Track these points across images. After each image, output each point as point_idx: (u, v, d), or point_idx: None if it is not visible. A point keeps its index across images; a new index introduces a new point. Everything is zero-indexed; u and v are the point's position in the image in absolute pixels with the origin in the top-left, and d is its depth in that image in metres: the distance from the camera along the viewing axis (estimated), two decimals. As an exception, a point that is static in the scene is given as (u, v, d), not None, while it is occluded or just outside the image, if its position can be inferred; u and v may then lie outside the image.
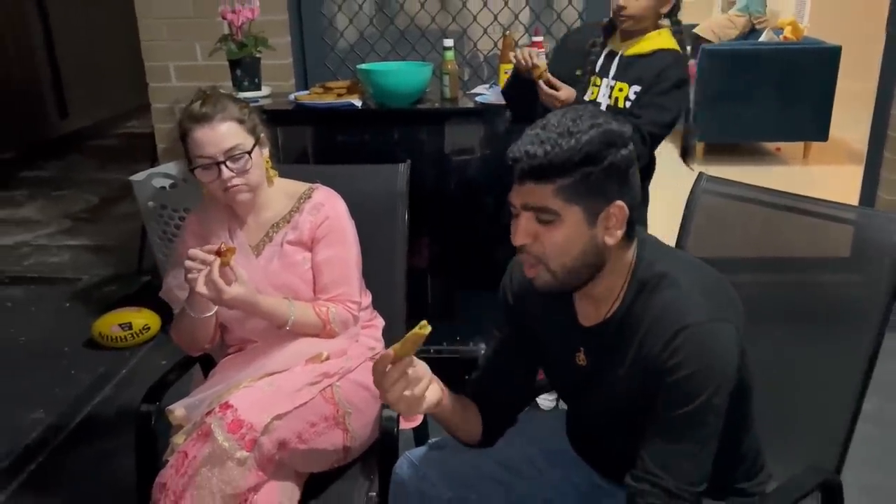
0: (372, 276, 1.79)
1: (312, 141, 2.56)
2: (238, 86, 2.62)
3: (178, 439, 1.46)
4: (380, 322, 1.81)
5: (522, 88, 2.03)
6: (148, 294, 3.13)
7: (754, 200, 1.62)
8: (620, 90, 1.97)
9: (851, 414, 1.39)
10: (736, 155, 5.46)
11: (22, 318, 3.33)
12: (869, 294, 1.39)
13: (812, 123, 5.18)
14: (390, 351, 1.11)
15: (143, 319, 3.03)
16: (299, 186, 1.73)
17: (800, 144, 5.45)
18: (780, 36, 5.76)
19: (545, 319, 1.30)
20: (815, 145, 5.37)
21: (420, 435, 1.83)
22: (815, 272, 1.56)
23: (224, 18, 2.59)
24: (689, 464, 1.12)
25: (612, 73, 2.00)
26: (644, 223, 2.12)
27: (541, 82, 1.91)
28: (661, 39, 1.99)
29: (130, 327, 3.00)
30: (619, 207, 1.11)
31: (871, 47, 3.21)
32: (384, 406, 1.58)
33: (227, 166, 1.55)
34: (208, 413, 1.44)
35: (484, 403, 1.36)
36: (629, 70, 1.98)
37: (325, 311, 1.64)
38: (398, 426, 1.55)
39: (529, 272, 1.15)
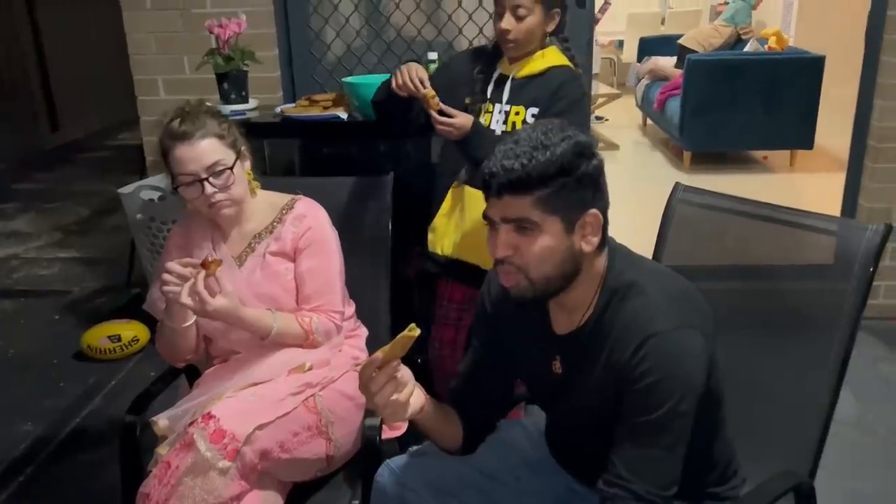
0: (356, 286, 1.81)
1: (299, 153, 2.58)
2: (225, 99, 2.64)
3: (162, 450, 1.48)
4: (363, 332, 1.83)
5: (397, 105, 1.90)
6: (137, 306, 3.10)
7: (730, 210, 1.65)
8: (517, 114, 1.91)
9: (825, 418, 1.41)
10: (723, 163, 5.51)
11: (11, 331, 3.34)
12: (841, 301, 1.42)
13: (798, 132, 5.24)
14: (378, 354, 1.12)
15: (133, 331, 3.04)
16: (281, 198, 1.74)
17: (786, 153, 5.51)
18: (766, 46, 5.83)
19: (521, 329, 1.32)
20: (801, 153, 5.43)
21: (405, 444, 1.84)
22: (787, 280, 1.59)
23: (211, 32, 2.61)
24: (657, 469, 1.14)
25: (505, 97, 1.93)
26: None
27: (433, 112, 1.78)
28: (551, 57, 1.95)
29: (119, 339, 3.01)
30: (594, 215, 1.15)
31: (855, 57, 3.25)
32: (367, 415, 1.60)
33: (209, 182, 1.57)
34: (191, 423, 1.45)
35: (463, 411, 1.38)
36: (523, 92, 1.92)
37: (307, 322, 1.65)
38: (381, 435, 1.57)
39: (508, 281, 1.17)
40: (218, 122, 1.62)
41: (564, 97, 1.89)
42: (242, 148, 1.65)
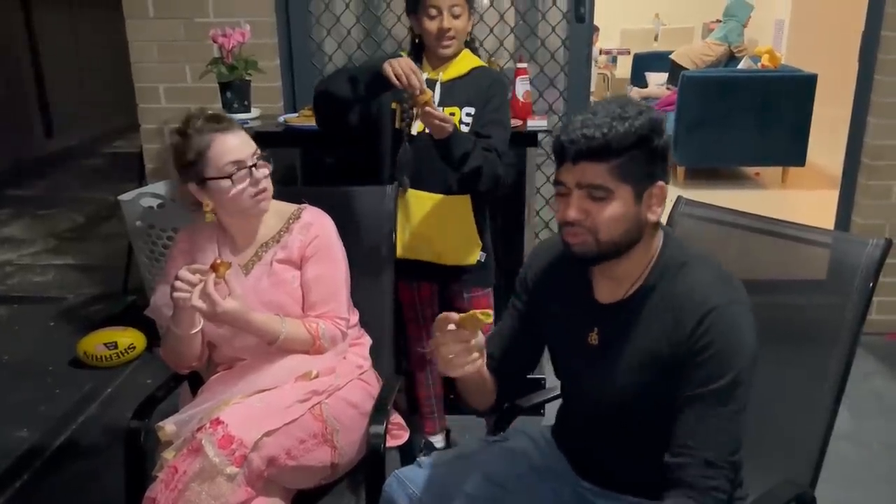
0: (360, 295, 1.82)
1: (301, 162, 2.59)
2: (228, 108, 2.66)
3: (168, 454, 1.48)
4: (367, 340, 1.84)
5: (370, 90, 1.91)
6: (133, 313, 3.14)
7: (732, 224, 1.67)
8: (452, 115, 1.96)
9: (824, 430, 1.43)
10: (716, 179, 5.56)
11: (6, 338, 3.33)
12: (841, 315, 1.44)
13: (790, 149, 5.30)
14: (456, 317, 1.18)
15: (129, 339, 3.04)
16: (287, 207, 1.76)
17: (778, 169, 5.56)
18: (758, 63, 5.90)
19: (563, 298, 1.37)
20: (793, 170, 5.48)
21: (406, 453, 1.85)
22: (790, 294, 1.61)
23: (215, 42, 2.63)
24: (723, 436, 1.19)
25: (436, 100, 1.98)
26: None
27: (429, 109, 1.83)
28: (470, 59, 2.07)
29: (116, 346, 3.00)
30: (661, 187, 1.24)
31: (846, 75, 3.31)
32: (371, 423, 1.61)
33: (257, 168, 1.61)
34: (199, 429, 1.45)
35: (496, 372, 1.42)
36: (454, 93, 2.01)
37: (314, 327, 1.66)
38: (384, 443, 1.58)
39: (575, 239, 1.23)
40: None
41: (496, 95, 2.03)
42: None
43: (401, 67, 1.82)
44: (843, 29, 4.09)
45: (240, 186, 1.60)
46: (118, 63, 3.08)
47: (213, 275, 1.49)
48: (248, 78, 2.68)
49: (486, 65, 2.12)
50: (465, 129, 2.00)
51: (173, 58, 2.99)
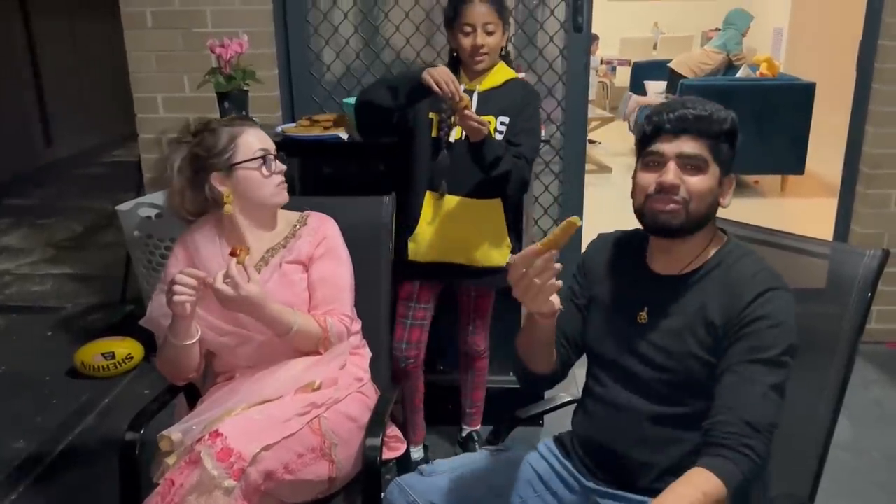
0: (357, 306, 1.81)
1: (299, 173, 2.59)
2: (225, 117, 2.65)
3: (171, 460, 1.47)
4: (367, 353, 1.84)
5: (409, 99, 2.02)
6: (131, 323, 3.12)
7: (733, 235, 1.67)
8: (487, 123, 2.02)
9: (824, 442, 1.42)
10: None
11: (4, 347, 3.32)
12: (840, 324, 1.43)
13: (789, 157, 5.30)
14: (536, 245, 1.18)
15: (126, 349, 3.03)
16: (293, 214, 1.80)
17: (777, 177, 5.57)
18: (757, 72, 5.91)
19: (618, 275, 1.44)
20: (793, 178, 5.49)
21: (403, 465, 1.84)
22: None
23: (213, 52, 2.63)
24: (764, 403, 1.22)
25: (473, 109, 2.03)
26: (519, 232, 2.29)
27: (467, 112, 1.91)
28: (505, 71, 2.15)
29: (113, 357, 2.99)
30: (732, 179, 1.37)
31: (845, 84, 3.31)
32: (367, 436, 1.60)
33: (279, 160, 1.71)
34: (198, 441, 1.45)
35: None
36: (489, 103, 2.09)
37: (323, 321, 1.68)
38: (381, 456, 1.57)
39: (667, 206, 1.30)
40: None
41: (529, 105, 2.13)
42: None
43: (440, 76, 1.92)
44: (841, 37, 4.10)
45: (264, 173, 1.68)
46: (117, 72, 3.08)
47: (234, 260, 1.52)
48: (245, 88, 2.68)
49: (518, 76, 2.20)
50: (498, 136, 2.08)
51: (171, 68, 2.99)
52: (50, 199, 5.71)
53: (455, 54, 2.14)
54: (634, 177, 1.37)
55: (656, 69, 7.20)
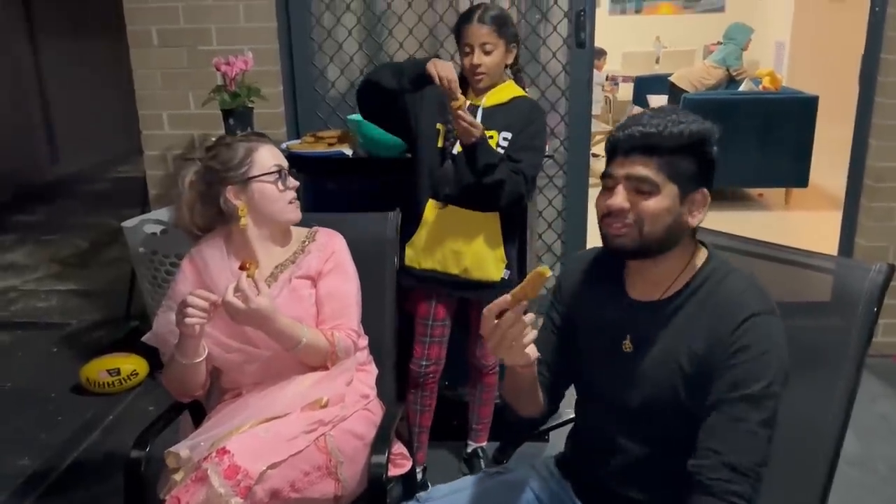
0: (363, 322, 1.81)
1: (304, 189, 2.59)
2: (231, 134, 2.67)
3: (178, 476, 1.46)
4: (373, 370, 1.84)
5: (414, 84, 2.04)
6: (136, 339, 3.07)
7: (735, 249, 1.66)
8: (490, 137, 2.07)
9: (831, 457, 1.42)
10: (719, 200, 5.45)
11: (9, 364, 3.33)
12: (846, 339, 1.43)
13: (792, 170, 5.30)
14: (507, 296, 1.16)
15: (131, 365, 3.03)
16: (301, 230, 1.81)
17: (781, 190, 5.56)
18: (759, 85, 5.92)
19: (597, 302, 1.38)
20: (796, 191, 5.49)
21: (408, 482, 1.84)
22: (794, 317, 1.60)
23: (218, 70, 2.65)
24: (751, 443, 1.17)
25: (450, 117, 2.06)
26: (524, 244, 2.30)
27: (461, 112, 1.94)
28: (512, 88, 2.18)
29: (118, 373, 3.00)
30: (704, 194, 1.28)
31: (846, 97, 3.32)
32: (372, 453, 1.60)
33: (293, 176, 1.73)
34: (205, 458, 1.45)
35: (541, 381, 1.41)
36: (494, 119, 2.10)
37: (330, 335, 1.69)
38: (386, 473, 1.57)
39: (617, 230, 1.25)
40: None
41: (533, 123, 2.14)
42: None
43: (443, 70, 1.95)
44: (843, 51, 4.11)
45: (278, 188, 1.70)
46: (123, 90, 3.11)
47: (244, 273, 1.53)
48: (250, 105, 2.70)
49: (526, 94, 2.22)
50: (500, 151, 2.09)
51: (177, 85, 3.02)
52: (55, 216, 5.73)
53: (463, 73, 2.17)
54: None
55: (658, 83, 7.21)
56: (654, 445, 1.30)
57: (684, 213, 1.26)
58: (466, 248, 2.14)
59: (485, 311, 1.18)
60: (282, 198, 1.71)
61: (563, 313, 1.45)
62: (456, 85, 1.95)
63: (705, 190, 1.27)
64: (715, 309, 1.25)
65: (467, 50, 2.09)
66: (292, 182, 1.74)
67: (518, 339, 1.17)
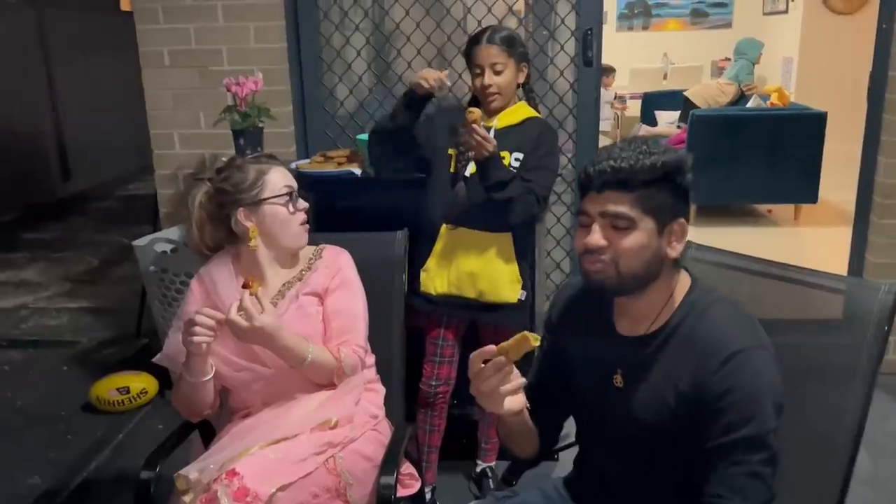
0: (370, 341, 1.82)
1: (313, 208, 2.60)
2: (241, 154, 2.69)
3: (188, 498, 1.47)
4: (381, 389, 1.84)
5: (410, 110, 2.08)
6: (146, 358, 3.10)
7: (743, 269, 1.66)
8: (502, 158, 2.08)
9: (844, 476, 1.41)
10: (728, 216, 5.55)
11: (19, 382, 3.34)
12: (857, 358, 1.42)
13: (801, 186, 5.29)
14: (493, 347, 1.18)
15: (141, 383, 3.04)
16: (308, 248, 1.82)
17: (790, 206, 5.55)
18: (767, 102, 5.93)
19: (586, 335, 1.37)
20: (806, 207, 5.47)
21: (417, 503, 1.83)
22: (804, 335, 1.60)
23: (228, 90, 2.67)
24: (756, 484, 1.17)
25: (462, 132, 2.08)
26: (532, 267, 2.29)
27: (475, 126, 1.95)
28: (524, 109, 2.19)
29: (128, 391, 3.00)
30: (682, 224, 1.26)
31: (855, 113, 3.31)
32: (381, 474, 1.60)
33: (303, 198, 1.75)
34: (215, 480, 1.45)
35: (535, 418, 1.40)
36: (506, 140, 2.10)
37: (336, 351, 1.69)
38: (395, 494, 1.57)
39: (595, 267, 1.24)
40: None
41: (544, 143, 2.14)
42: None
43: (426, 73, 2.00)
44: (851, 67, 4.12)
45: (289, 210, 1.72)
46: (134, 108, 3.14)
47: (247, 292, 1.54)
48: (261, 125, 2.72)
49: (539, 115, 2.24)
50: (512, 171, 2.10)
51: (188, 105, 3.05)
52: (67, 233, 5.76)
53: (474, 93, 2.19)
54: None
55: (667, 99, 7.23)
56: (654, 477, 1.29)
57: (663, 245, 1.24)
58: (481, 269, 2.15)
59: (472, 355, 1.19)
60: (293, 220, 1.73)
61: (554, 343, 1.45)
62: (444, 76, 1.99)
63: (682, 220, 1.26)
64: (698, 345, 1.23)
65: (478, 71, 2.10)
66: (302, 204, 1.75)
67: (496, 389, 1.18)
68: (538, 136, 2.15)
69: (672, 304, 1.28)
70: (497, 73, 2.09)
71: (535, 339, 1.16)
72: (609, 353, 1.32)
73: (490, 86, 2.09)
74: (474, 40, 2.12)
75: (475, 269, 2.15)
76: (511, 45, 2.11)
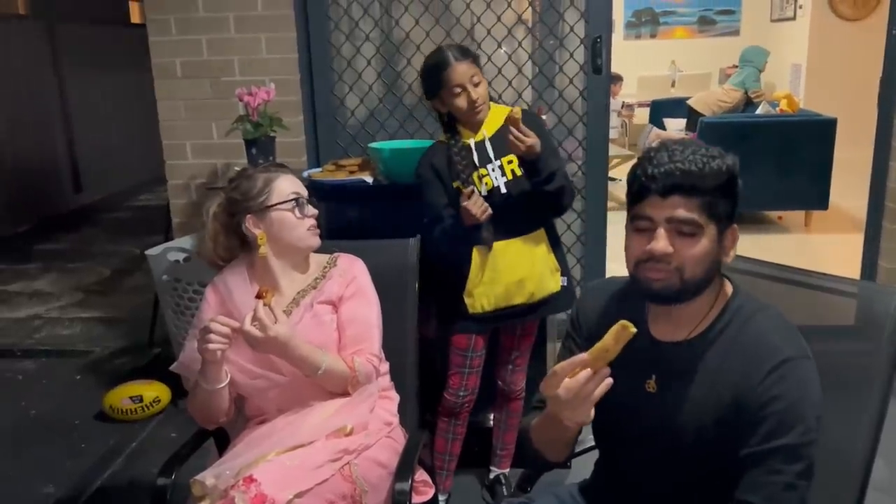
0: (384, 348, 1.82)
1: (325, 217, 2.61)
2: (253, 164, 2.71)
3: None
4: (395, 397, 1.85)
5: (463, 238, 2.07)
6: (159, 366, 3.16)
7: (757, 274, 1.66)
8: (510, 162, 2.09)
9: (861, 483, 1.40)
10: (739, 223, 5.50)
11: (34, 392, 3.36)
12: (872, 363, 1.42)
13: (812, 193, 5.27)
14: (584, 355, 1.12)
15: (154, 392, 3.05)
16: (322, 256, 1.84)
17: (801, 213, 5.53)
18: (777, 108, 5.92)
19: None
20: (817, 214, 5.45)
21: (433, 508, 1.83)
22: (819, 341, 1.59)
23: (241, 100, 2.69)
24: (789, 495, 1.14)
25: (491, 155, 2.09)
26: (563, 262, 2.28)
27: (512, 129, 1.96)
28: (499, 110, 2.18)
29: (141, 400, 3.02)
30: (735, 230, 1.24)
31: (864, 119, 3.31)
32: (396, 480, 1.60)
33: (311, 203, 1.76)
34: (232, 486, 1.46)
35: None
36: (502, 144, 2.07)
37: (351, 360, 1.70)
38: (410, 501, 1.57)
39: (658, 275, 1.20)
40: None
41: (540, 130, 2.11)
42: None
43: (471, 210, 1.96)
44: (861, 72, 4.11)
45: (297, 216, 1.73)
46: (145, 119, 3.17)
47: (260, 302, 1.55)
48: (272, 134, 2.74)
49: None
50: (522, 170, 2.10)
51: (200, 116, 3.07)
52: (79, 244, 5.80)
53: (446, 118, 2.15)
54: (626, 237, 1.25)
55: (675, 107, 7.24)
56: (681, 485, 1.27)
57: (721, 252, 1.22)
58: (528, 273, 2.15)
59: (556, 368, 1.12)
60: (300, 224, 1.74)
61: (582, 346, 1.39)
62: (483, 206, 1.97)
63: (735, 226, 1.23)
64: (743, 352, 1.20)
65: (458, 90, 2.06)
66: (311, 210, 1.77)
67: (589, 398, 1.12)
68: (530, 126, 2.10)
69: (715, 311, 1.25)
70: (476, 84, 2.08)
71: (631, 327, 1.11)
72: (643, 358, 1.28)
73: (478, 99, 2.07)
74: (444, 63, 2.05)
75: (523, 275, 2.14)
76: (474, 56, 2.12)
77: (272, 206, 1.72)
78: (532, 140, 1.97)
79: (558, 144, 2.98)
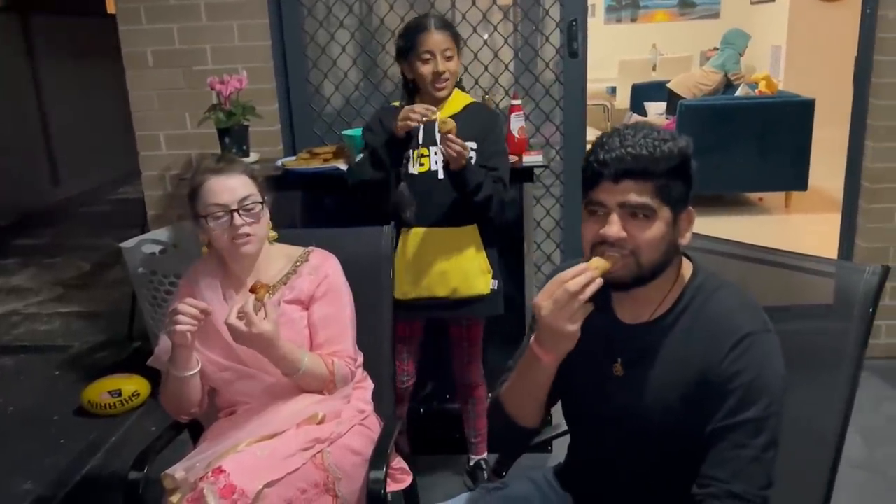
0: (359, 337, 1.81)
1: (300, 205, 2.61)
2: (227, 151, 2.68)
3: (175, 498, 1.46)
4: (369, 384, 1.83)
5: (396, 154, 2.05)
6: (138, 360, 3.10)
7: (732, 255, 1.65)
8: (470, 149, 2.04)
9: (832, 462, 1.40)
10: (720, 205, 5.55)
11: (12, 388, 3.32)
12: (845, 341, 1.42)
13: (791, 174, 5.30)
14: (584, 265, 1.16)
15: (133, 386, 3.03)
16: (295, 250, 1.79)
17: (781, 194, 5.56)
18: (756, 90, 5.93)
19: (584, 323, 1.26)
20: (796, 195, 5.48)
21: (410, 497, 1.83)
22: (788, 321, 1.60)
23: (213, 89, 2.66)
24: (754, 469, 1.15)
25: (437, 138, 2.02)
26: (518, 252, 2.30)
27: (451, 136, 1.92)
28: (461, 97, 2.17)
29: (120, 394, 2.99)
30: (691, 212, 1.24)
31: (843, 99, 3.31)
32: (371, 468, 1.59)
33: (239, 214, 1.63)
34: (201, 478, 1.44)
35: None
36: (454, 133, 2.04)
37: (330, 363, 1.68)
38: (385, 489, 1.56)
39: (614, 262, 1.19)
40: (248, 165, 1.76)
41: (493, 127, 2.16)
42: (265, 196, 1.72)
43: (406, 114, 1.94)
44: (839, 53, 4.11)
45: (217, 229, 1.64)
46: (122, 111, 3.13)
47: (253, 297, 1.52)
48: (246, 123, 2.71)
49: (476, 100, 2.23)
50: (471, 161, 2.07)
51: (173, 105, 3.04)
52: (58, 238, 5.74)
53: (412, 85, 2.13)
54: (582, 222, 1.25)
55: (656, 90, 7.24)
56: (652, 465, 1.28)
57: (677, 235, 1.22)
58: (452, 266, 2.12)
59: (559, 275, 1.15)
60: (221, 236, 1.64)
61: None
62: (427, 108, 1.95)
63: (691, 208, 1.24)
64: (705, 329, 1.21)
65: (426, 57, 2.05)
66: (238, 220, 1.63)
67: (578, 296, 1.13)
68: (486, 122, 2.14)
69: (676, 291, 1.26)
70: (448, 59, 2.06)
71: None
72: (608, 341, 1.29)
73: (444, 72, 2.05)
74: (422, 26, 2.06)
75: (446, 267, 2.11)
76: (456, 32, 2.11)
77: (199, 215, 1.66)
78: (463, 153, 1.93)
79: (536, 130, 2.98)
